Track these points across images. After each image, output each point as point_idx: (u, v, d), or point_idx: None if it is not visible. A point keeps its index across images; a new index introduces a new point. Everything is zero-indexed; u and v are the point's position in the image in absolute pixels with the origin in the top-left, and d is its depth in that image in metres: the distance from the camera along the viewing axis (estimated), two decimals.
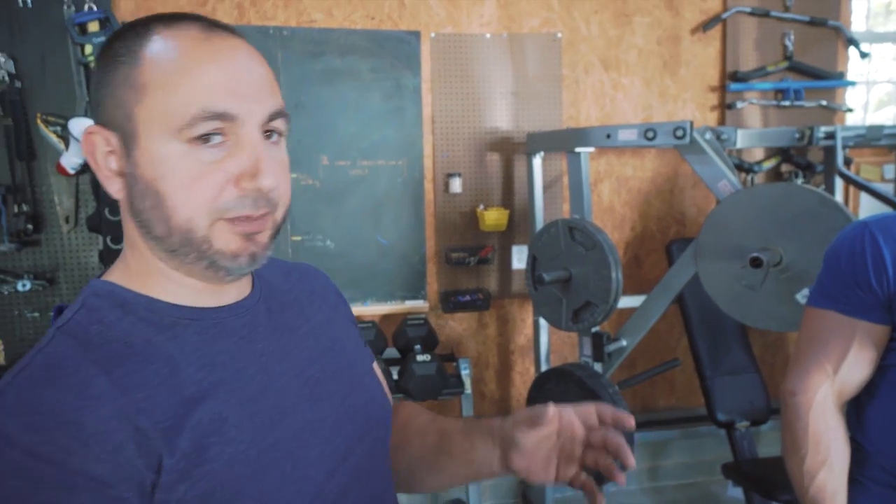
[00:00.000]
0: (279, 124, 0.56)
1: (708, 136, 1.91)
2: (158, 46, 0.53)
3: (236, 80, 0.52)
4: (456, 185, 2.37)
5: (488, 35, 2.35)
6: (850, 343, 0.91)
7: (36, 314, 2.12)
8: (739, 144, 2.10)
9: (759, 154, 2.58)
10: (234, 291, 0.61)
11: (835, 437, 0.92)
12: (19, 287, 2.05)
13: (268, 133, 0.55)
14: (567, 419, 0.64)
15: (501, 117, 2.40)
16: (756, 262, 1.50)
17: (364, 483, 0.64)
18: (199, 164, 0.52)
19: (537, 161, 2.29)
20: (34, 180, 2.06)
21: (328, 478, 0.60)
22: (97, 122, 0.56)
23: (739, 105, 2.52)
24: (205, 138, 0.52)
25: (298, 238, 2.29)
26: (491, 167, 2.42)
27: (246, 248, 0.54)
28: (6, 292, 2.07)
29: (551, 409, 0.62)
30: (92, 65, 1.99)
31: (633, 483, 2.66)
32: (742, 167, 2.51)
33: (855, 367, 0.92)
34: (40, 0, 1.99)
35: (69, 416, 0.47)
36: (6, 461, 0.45)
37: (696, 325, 2.27)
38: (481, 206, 2.39)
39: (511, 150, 2.43)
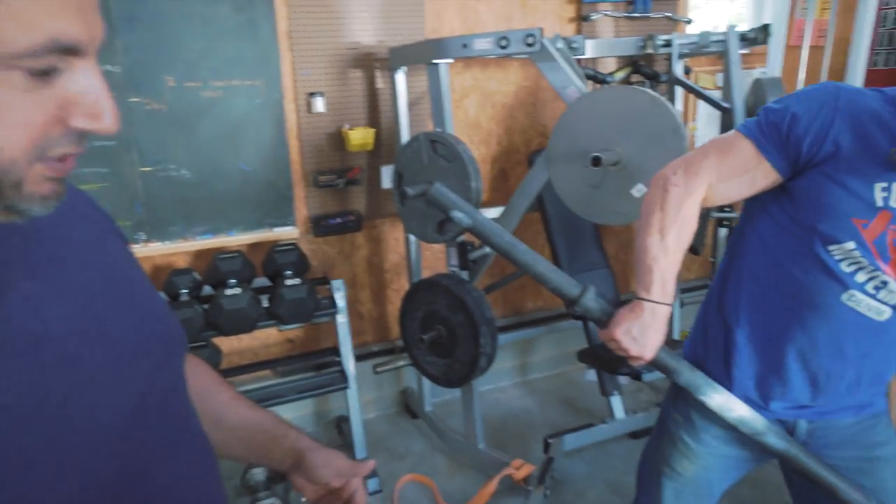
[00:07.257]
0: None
1: (560, 44, 1.96)
2: None
3: None
4: (319, 105, 2.29)
5: None
6: (745, 173, 0.99)
7: None
8: (589, 53, 2.19)
9: (613, 65, 2.71)
10: None
11: (692, 228, 1.03)
12: None
13: None
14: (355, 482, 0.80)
15: (363, 32, 2.31)
16: (596, 162, 1.61)
17: (170, 415, 0.60)
18: (24, 99, 0.40)
19: (401, 76, 2.25)
20: None
21: (131, 419, 0.54)
22: None
23: (594, 17, 2.59)
24: (41, 71, 0.39)
25: (148, 169, 2.11)
26: (354, 85, 2.35)
27: (56, 190, 0.45)
28: None
29: (369, 466, 0.81)
30: None
31: (505, 379, 2.87)
32: (597, 78, 2.62)
33: (731, 190, 1.02)
34: None
35: None
36: None
37: (556, 228, 2.42)
38: (346, 126, 2.33)
39: (374, 66, 2.36)
